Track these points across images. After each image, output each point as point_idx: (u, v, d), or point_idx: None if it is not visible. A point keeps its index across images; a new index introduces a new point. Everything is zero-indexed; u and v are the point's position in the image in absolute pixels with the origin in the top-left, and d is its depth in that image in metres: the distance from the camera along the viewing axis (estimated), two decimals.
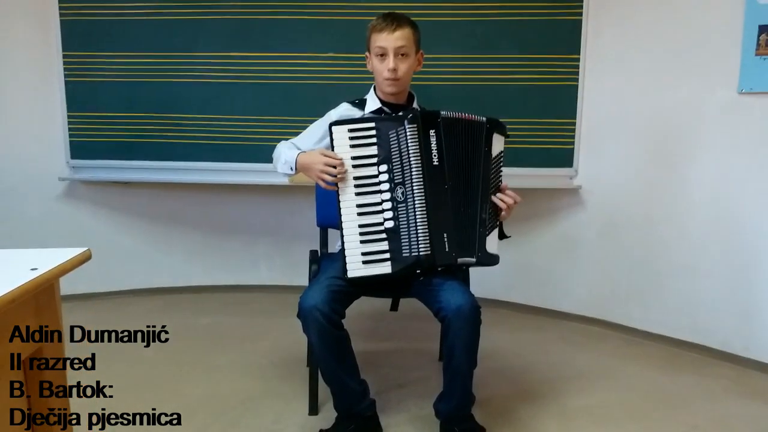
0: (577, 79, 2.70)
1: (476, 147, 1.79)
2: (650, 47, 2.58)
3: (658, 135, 2.61)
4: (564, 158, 2.77)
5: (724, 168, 2.46)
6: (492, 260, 1.81)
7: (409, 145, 1.73)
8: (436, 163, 1.75)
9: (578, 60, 2.69)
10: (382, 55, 1.86)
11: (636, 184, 2.69)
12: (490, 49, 2.70)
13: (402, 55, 1.86)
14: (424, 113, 1.78)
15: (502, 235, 1.87)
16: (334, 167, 1.72)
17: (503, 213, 1.82)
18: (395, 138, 1.74)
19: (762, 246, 2.40)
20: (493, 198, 1.81)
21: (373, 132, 1.75)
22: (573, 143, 2.75)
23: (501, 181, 1.85)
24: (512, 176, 2.68)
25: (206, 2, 2.75)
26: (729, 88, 2.40)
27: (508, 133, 1.86)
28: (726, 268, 2.49)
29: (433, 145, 1.75)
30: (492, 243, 1.81)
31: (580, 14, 2.65)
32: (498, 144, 1.83)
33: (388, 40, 1.84)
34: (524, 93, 2.72)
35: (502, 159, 1.84)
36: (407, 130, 1.73)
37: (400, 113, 1.83)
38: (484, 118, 1.80)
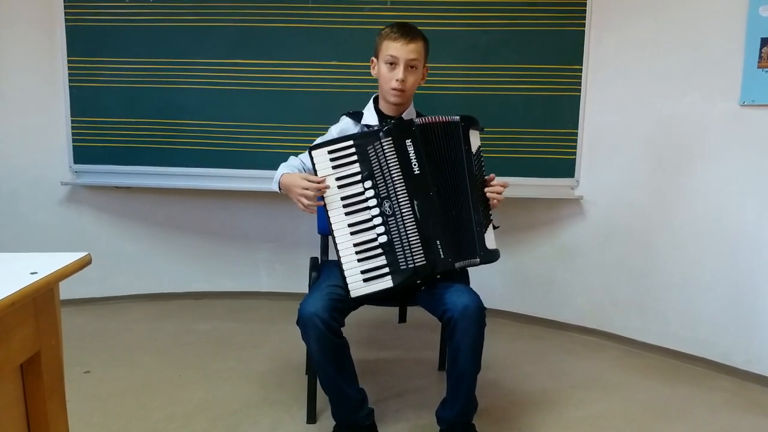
0: (579, 90, 2.71)
1: (456, 148, 1.79)
2: (652, 58, 2.59)
3: (660, 146, 2.61)
4: (566, 168, 2.77)
5: (725, 180, 2.46)
6: (494, 256, 1.81)
7: (388, 157, 1.74)
8: (417, 172, 1.75)
9: (580, 70, 2.70)
10: (392, 63, 1.86)
11: (637, 195, 2.69)
12: (492, 59, 2.71)
13: (412, 67, 1.87)
14: (398, 123, 1.78)
15: (493, 226, 1.87)
16: (317, 189, 1.73)
17: (495, 203, 1.83)
18: (373, 153, 1.74)
19: (763, 258, 2.39)
20: (487, 190, 1.81)
21: (353, 150, 1.75)
22: (575, 153, 2.76)
23: (485, 174, 1.84)
24: (514, 186, 2.68)
25: (209, 10, 2.76)
26: (731, 100, 2.40)
27: (481, 128, 1.85)
28: (727, 280, 2.49)
29: (411, 154, 1.75)
30: (490, 239, 1.81)
31: (583, 25, 2.67)
32: (475, 139, 1.82)
33: (402, 50, 1.84)
34: (526, 103, 2.73)
35: (482, 154, 1.84)
36: (383, 143, 1.74)
37: (375, 127, 1.82)
38: (458, 117, 1.80)
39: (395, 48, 1.85)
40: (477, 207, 1.80)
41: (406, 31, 1.86)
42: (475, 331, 1.69)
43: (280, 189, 1.87)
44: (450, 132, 1.79)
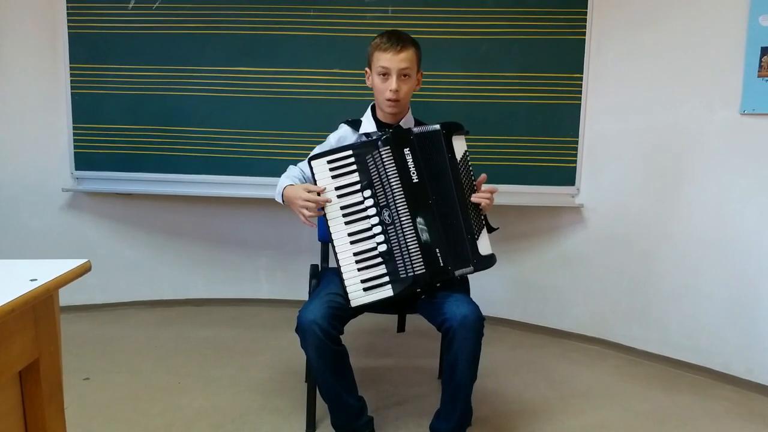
0: (579, 98, 2.71)
1: (441, 156, 1.78)
2: (652, 67, 2.59)
3: (660, 154, 2.61)
4: (566, 176, 2.78)
5: (725, 188, 2.46)
6: (489, 262, 1.79)
7: (386, 166, 1.74)
8: (416, 180, 1.75)
9: (581, 79, 2.70)
10: (385, 74, 1.87)
11: (637, 204, 2.69)
12: (493, 67, 2.72)
13: (405, 75, 1.87)
14: (396, 133, 1.78)
15: (490, 229, 1.86)
16: (318, 201, 1.74)
17: (484, 208, 1.81)
18: (372, 162, 1.75)
19: (764, 267, 2.39)
20: (472, 199, 1.80)
21: (352, 159, 1.76)
22: (575, 161, 2.76)
23: (474, 178, 1.83)
24: (514, 194, 2.72)
25: (212, 17, 2.78)
26: (731, 108, 2.41)
27: (466, 132, 1.84)
28: (728, 289, 2.48)
29: (410, 163, 1.76)
30: (484, 245, 1.80)
31: (583, 34, 2.68)
32: (460, 145, 1.81)
33: (393, 61, 1.84)
34: (527, 111, 2.73)
35: (468, 158, 1.82)
36: (381, 152, 1.74)
37: (374, 136, 1.83)
38: (438, 125, 1.79)
39: (386, 59, 1.85)
40: (466, 214, 1.79)
41: (396, 41, 1.85)
42: (473, 341, 1.69)
43: (283, 201, 1.87)
44: (433, 140, 1.78)
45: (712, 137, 2.47)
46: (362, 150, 1.76)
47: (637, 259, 2.72)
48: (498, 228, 1.88)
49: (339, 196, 1.75)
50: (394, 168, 1.74)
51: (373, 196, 1.75)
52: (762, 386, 2.41)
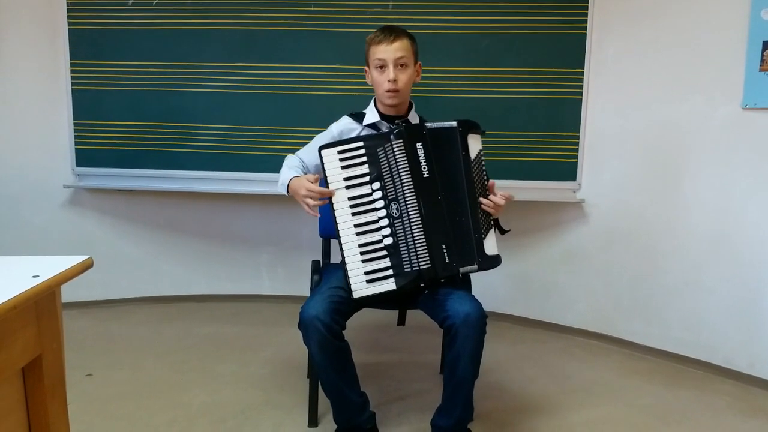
0: (580, 93, 2.71)
1: (455, 153, 1.78)
2: (654, 62, 2.59)
3: (662, 149, 2.61)
4: (567, 172, 2.77)
5: (727, 183, 2.46)
6: (494, 263, 1.79)
7: (398, 160, 1.74)
8: (426, 175, 1.75)
9: (582, 74, 2.70)
10: (382, 66, 1.88)
11: (639, 199, 2.69)
12: (494, 62, 2.71)
13: (401, 65, 1.87)
14: (409, 127, 1.78)
15: (502, 231, 1.86)
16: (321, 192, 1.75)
17: (493, 212, 1.81)
18: (383, 155, 1.74)
19: (766, 262, 2.39)
20: (481, 200, 1.80)
21: (362, 151, 1.75)
22: (576, 157, 2.76)
23: (487, 180, 1.83)
24: (516, 188, 2.70)
25: (213, 13, 2.77)
26: (733, 103, 2.40)
27: (483, 131, 1.84)
28: (730, 284, 2.48)
29: (421, 157, 1.75)
30: (491, 245, 1.80)
31: (585, 29, 2.67)
32: (475, 144, 1.81)
33: (387, 51, 1.85)
34: (528, 106, 2.73)
35: (482, 158, 1.83)
36: (394, 145, 1.74)
37: (386, 130, 1.82)
38: (455, 122, 1.79)
39: (381, 50, 1.86)
40: (475, 213, 1.79)
41: (389, 32, 1.87)
42: (475, 338, 1.68)
43: (288, 192, 1.88)
44: (448, 137, 1.78)
45: (713, 132, 2.47)
46: (374, 142, 1.76)
47: (638, 255, 2.72)
48: (510, 230, 1.88)
49: (347, 187, 1.75)
50: (406, 162, 1.74)
51: (382, 188, 1.74)
52: (763, 381, 2.41)
